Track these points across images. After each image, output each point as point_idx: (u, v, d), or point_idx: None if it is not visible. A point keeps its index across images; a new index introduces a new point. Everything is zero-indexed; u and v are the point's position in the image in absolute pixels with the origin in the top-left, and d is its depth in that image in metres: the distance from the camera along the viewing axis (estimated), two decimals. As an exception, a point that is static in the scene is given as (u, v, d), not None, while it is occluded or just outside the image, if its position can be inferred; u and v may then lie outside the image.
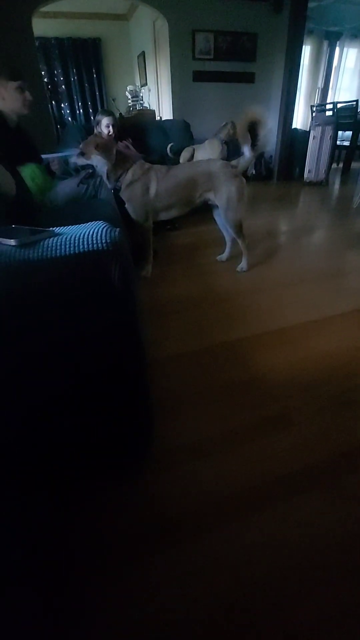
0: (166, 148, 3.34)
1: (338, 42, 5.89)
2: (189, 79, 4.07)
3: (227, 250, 2.24)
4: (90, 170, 1.87)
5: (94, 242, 0.65)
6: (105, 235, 0.66)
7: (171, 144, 3.37)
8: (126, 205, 1.92)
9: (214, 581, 0.71)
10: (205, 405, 1.14)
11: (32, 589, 0.68)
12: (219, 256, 2.26)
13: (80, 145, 1.83)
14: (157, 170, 1.89)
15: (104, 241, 0.65)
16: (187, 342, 1.46)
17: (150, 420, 0.93)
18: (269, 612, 0.66)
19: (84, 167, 1.87)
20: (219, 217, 2.07)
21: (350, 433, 1.03)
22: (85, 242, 0.64)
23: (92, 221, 0.73)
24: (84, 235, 0.66)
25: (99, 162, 1.80)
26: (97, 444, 0.88)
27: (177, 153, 3.36)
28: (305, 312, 1.65)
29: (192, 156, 3.39)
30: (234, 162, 1.96)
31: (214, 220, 2.16)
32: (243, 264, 2.09)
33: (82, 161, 1.83)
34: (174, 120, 3.82)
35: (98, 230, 0.67)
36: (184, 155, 3.38)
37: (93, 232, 0.67)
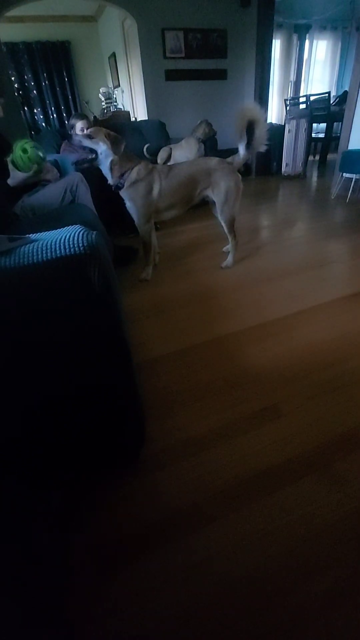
0: (143, 149, 3.33)
1: (307, 35, 5.96)
2: (162, 78, 4.06)
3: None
4: (93, 156, 1.78)
5: (71, 246, 0.64)
6: (82, 239, 0.65)
7: (147, 144, 3.36)
8: (127, 205, 1.89)
9: (215, 572, 0.71)
10: (196, 402, 1.15)
11: (31, 592, 0.67)
12: (225, 247, 2.24)
13: (90, 129, 1.79)
14: (160, 170, 1.89)
15: (81, 245, 0.64)
16: (175, 341, 1.46)
17: (140, 421, 0.93)
18: (270, 598, 0.67)
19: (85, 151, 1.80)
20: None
21: (338, 419, 1.05)
22: (62, 247, 0.64)
23: (69, 225, 0.73)
24: (60, 240, 0.65)
25: (104, 151, 1.74)
26: (89, 447, 0.88)
27: (154, 153, 3.35)
28: (289, 304, 1.67)
29: (169, 156, 3.39)
30: (229, 159, 1.97)
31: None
32: (229, 260, 2.10)
33: (87, 142, 1.75)
34: (149, 121, 3.81)
35: (75, 234, 0.67)
36: (161, 156, 3.37)
37: (70, 237, 0.66)
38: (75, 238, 0.65)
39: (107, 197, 1.99)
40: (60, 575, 0.73)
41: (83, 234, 0.66)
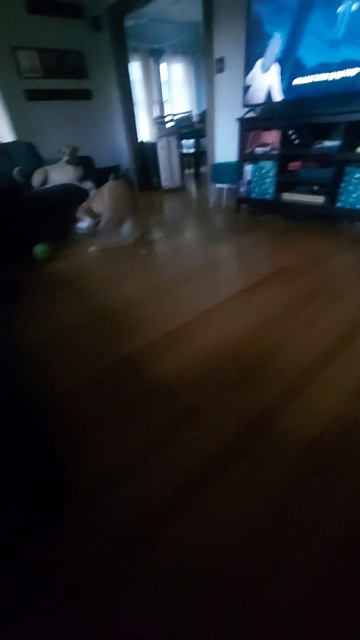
0: (13, 172, 3.09)
1: (162, 59, 6.39)
2: (22, 98, 3.85)
3: None
4: None
5: None
6: None
7: (18, 167, 3.14)
8: None
9: (174, 586, 0.68)
10: (116, 426, 1.10)
11: None
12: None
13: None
14: None
15: None
16: (82, 369, 1.37)
17: (58, 463, 0.83)
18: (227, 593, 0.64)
19: None
20: None
21: (249, 404, 1.13)
22: None
23: None
24: None
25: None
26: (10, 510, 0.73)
27: (28, 176, 3.14)
28: (191, 309, 1.73)
29: (45, 178, 3.22)
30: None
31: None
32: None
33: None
34: (17, 142, 3.56)
35: None
36: (37, 178, 3.19)
37: None
38: None
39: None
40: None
41: None
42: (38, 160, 3.41)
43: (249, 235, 2.75)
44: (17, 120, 3.90)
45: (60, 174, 3.20)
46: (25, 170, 3.22)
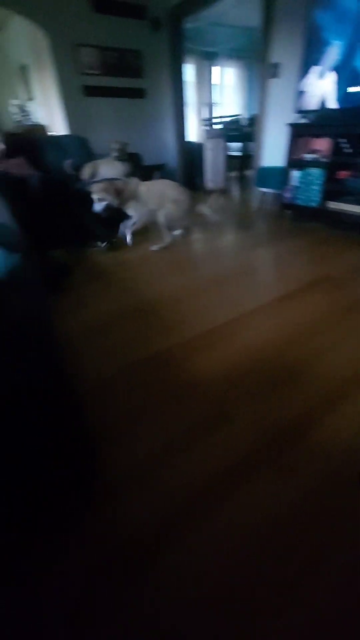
0: (64, 164, 3.22)
1: (216, 62, 6.42)
2: (80, 93, 4.00)
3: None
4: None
5: (-13, 273, 0.56)
6: (1, 264, 0.58)
7: (70, 160, 3.26)
8: None
9: (189, 589, 0.69)
10: (145, 420, 1.12)
11: None
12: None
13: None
14: None
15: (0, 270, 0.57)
16: (118, 360, 1.41)
17: (91, 454, 0.86)
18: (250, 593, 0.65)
19: None
20: None
21: (281, 412, 1.11)
22: (-24, 275, 0.56)
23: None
24: (-27, 267, 0.57)
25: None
26: (36, 491, 0.77)
27: (78, 169, 3.26)
28: (227, 311, 1.72)
29: (94, 172, 3.32)
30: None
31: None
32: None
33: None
34: (71, 136, 3.71)
35: (-9, 259, 0.59)
36: (86, 171, 3.30)
37: (-15, 262, 0.58)
38: (-8, 263, 0.57)
39: (33, 206, 1.88)
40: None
41: (2, 258, 0.59)
42: (89, 154, 3.53)
43: (290, 241, 2.71)
44: (72, 115, 4.06)
45: (109, 169, 3.29)
46: (75, 163, 3.34)
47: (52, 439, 0.73)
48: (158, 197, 2.67)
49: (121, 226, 2.82)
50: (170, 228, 2.72)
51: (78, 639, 0.64)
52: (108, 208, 2.56)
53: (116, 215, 2.74)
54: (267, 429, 1.05)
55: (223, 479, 0.91)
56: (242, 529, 0.79)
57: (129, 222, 2.76)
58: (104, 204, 2.53)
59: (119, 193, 2.56)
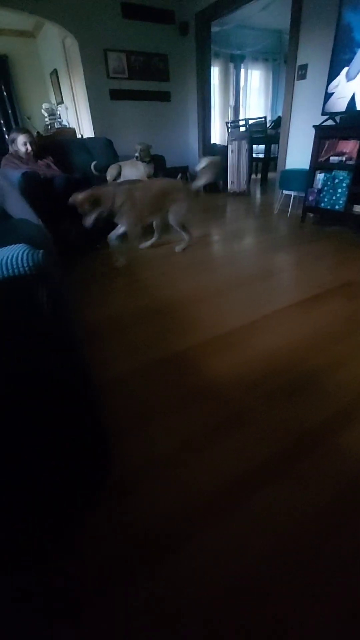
0: (90, 166, 3.29)
1: (242, 64, 6.41)
2: (107, 97, 4.09)
3: None
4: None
5: (15, 267, 0.58)
6: (27, 259, 0.60)
7: (95, 161, 3.33)
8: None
9: (199, 592, 0.68)
10: (160, 419, 1.12)
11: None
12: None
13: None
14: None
15: (25, 265, 0.59)
16: (135, 358, 1.42)
17: (106, 447, 0.87)
18: (261, 602, 0.64)
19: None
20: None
21: (298, 420, 1.08)
22: (4, 268, 0.58)
23: (14, 244, 0.67)
24: (2, 261, 0.60)
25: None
26: (48, 481, 0.80)
27: (103, 170, 3.33)
28: (245, 314, 1.71)
29: (119, 173, 3.38)
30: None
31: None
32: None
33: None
34: (96, 138, 3.79)
35: (18, 254, 0.61)
36: (111, 172, 3.36)
37: (13, 257, 0.60)
38: (19, 257, 0.60)
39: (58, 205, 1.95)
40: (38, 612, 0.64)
41: (28, 253, 0.61)
42: (114, 156, 3.59)
43: (313, 245, 2.67)
44: (98, 117, 4.16)
45: (132, 170, 3.34)
46: (100, 165, 3.41)
47: (66, 430, 0.75)
48: (156, 200, 2.41)
49: (111, 235, 2.47)
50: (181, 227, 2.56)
51: (79, 636, 0.65)
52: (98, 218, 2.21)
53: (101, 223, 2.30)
54: (283, 436, 1.03)
55: (236, 485, 0.89)
56: (252, 539, 0.77)
57: (117, 231, 2.46)
58: (92, 217, 2.17)
59: (98, 201, 2.15)
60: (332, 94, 2.70)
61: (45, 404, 0.68)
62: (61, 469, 0.79)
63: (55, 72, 5.08)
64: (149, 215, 2.47)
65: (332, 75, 2.66)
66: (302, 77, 3.19)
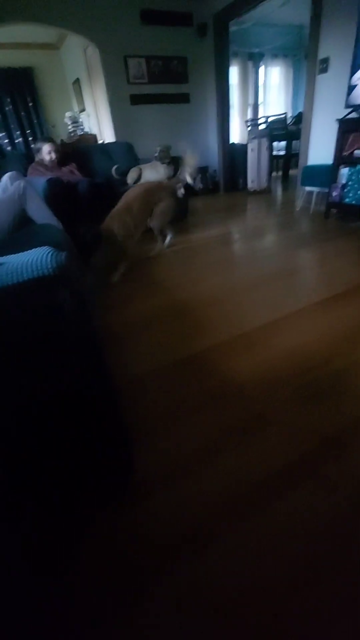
0: (111, 170, 3.36)
1: (261, 62, 6.34)
2: (127, 102, 4.17)
3: None
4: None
5: (39, 268, 0.61)
6: (51, 261, 0.63)
7: (116, 165, 3.40)
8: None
9: (218, 598, 0.68)
10: (181, 420, 1.12)
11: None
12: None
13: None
14: None
15: (49, 267, 0.62)
16: (155, 359, 1.44)
17: (128, 449, 0.89)
18: (278, 608, 0.64)
19: None
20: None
21: (322, 423, 1.05)
22: (29, 270, 0.61)
23: (38, 247, 0.70)
24: (27, 263, 0.63)
25: None
26: (72, 479, 0.82)
27: (124, 174, 3.39)
28: (266, 313, 1.69)
29: (139, 176, 3.44)
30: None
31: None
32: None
33: None
34: (117, 143, 3.87)
35: (43, 256, 0.64)
36: (131, 176, 3.42)
37: (37, 259, 0.64)
38: (43, 259, 0.63)
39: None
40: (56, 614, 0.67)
41: (51, 255, 0.64)
42: (135, 159, 3.65)
43: (337, 242, 2.60)
44: (119, 123, 4.24)
45: (152, 173, 3.38)
46: (122, 168, 3.48)
47: (87, 432, 0.77)
48: (144, 204, 2.33)
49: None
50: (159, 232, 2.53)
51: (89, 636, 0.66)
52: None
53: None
54: (307, 438, 1.00)
55: (260, 488, 0.88)
56: (278, 542, 0.76)
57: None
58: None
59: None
60: (355, 86, 2.62)
61: (65, 404, 0.71)
62: (82, 471, 0.81)
63: (77, 81, 5.23)
64: (141, 223, 2.34)
65: (355, 67, 2.59)
66: (324, 70, 3.11)
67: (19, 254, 0.69)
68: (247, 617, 0.65)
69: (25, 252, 0.68)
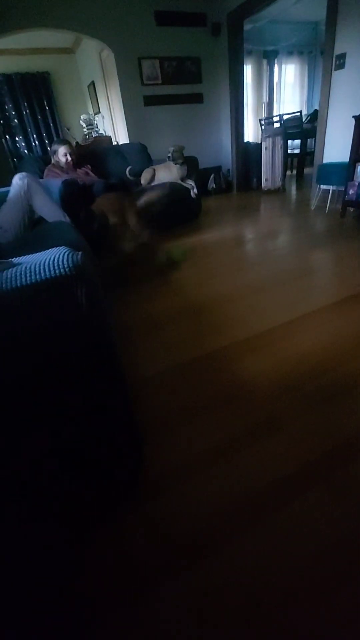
0: (125, 171, 3.39)
1: (275, 60, 6.28)
2: (141, 104, 4.20)
3: None
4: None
5: (56, 268, 0.63)
6: (67, 260, 0.64)
7: (129, 167, 3.43)
8: None
9: (228, 600, 0.67)
10: (193, 420, 1.12)
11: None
12: None
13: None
14: None
15: (66, 266, 0.63)
16: (168, 358, 1.44)
17: (138, 447, 0.89)
18: (283, 618, 0.63)
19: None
20: None
21: (336, 427, 1.03)
22: (46, 269, 0.62)
23: (54, 247, 0.72)
24: (44, 262, 0.64)
25: None
26: (82, 481, 0.83)
27: (137, 175, 3.41)
28: (279, 314, 1.67)
29: (152, 177, 3.45)
30: None
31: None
32: None
33: None
34: (131, 144, 3.90)
35: (59, 255, 0.66)
36: (145, 176, 3.44)
37: (54, 258, 0.65)
38: (60, 259, 0.64)
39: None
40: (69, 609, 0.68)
41: (68, 255, 0.65)
42: (148, 160, 3.67)
43: (353, 241, 2.55)
44: (133, 124, 4.27)
45: (166, 173, 3.39)
46: (135, 169, 3.50)
47: (99, 430, 0.77)
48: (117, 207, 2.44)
49: None
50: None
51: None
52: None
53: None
54: (320, 442, 0.99)
55: (274, 489, 0.87)
56: (292, 544, 0.75)
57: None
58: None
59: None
60: (373, 81, 2.57)
61: (78, 401, 0.72)
62: (93, 469, 0.81)
63: (92, 84, 5.30)
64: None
65: (373, 62, 2.53)
66: (340, 66, 3.06)
67: (36, 254, 0.70)
68: (257, 621, 0.65)
69: (42, 252, 0.70)
